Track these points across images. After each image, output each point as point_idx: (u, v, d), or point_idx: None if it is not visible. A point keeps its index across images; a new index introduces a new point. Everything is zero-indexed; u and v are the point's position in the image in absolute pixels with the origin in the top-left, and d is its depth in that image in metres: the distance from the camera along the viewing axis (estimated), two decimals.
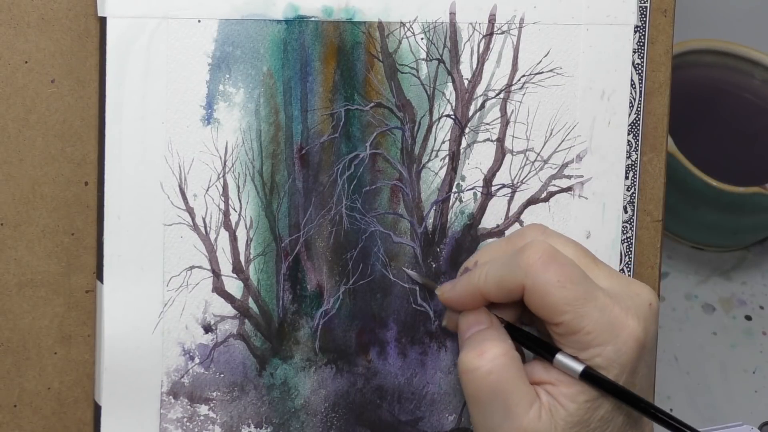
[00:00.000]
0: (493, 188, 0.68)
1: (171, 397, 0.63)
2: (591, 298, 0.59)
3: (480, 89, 0.67)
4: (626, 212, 0.71)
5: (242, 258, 0.63)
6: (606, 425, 0.60)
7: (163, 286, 0.62)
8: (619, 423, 0.61)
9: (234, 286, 0.63)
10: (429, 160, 0.66)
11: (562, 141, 0.69)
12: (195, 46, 0.61)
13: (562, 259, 0.60)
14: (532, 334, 0.63)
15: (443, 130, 0.66)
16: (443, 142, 0.66)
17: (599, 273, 0.62)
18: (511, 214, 0.68)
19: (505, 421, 0.59)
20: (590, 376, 0.59)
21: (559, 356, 0.60)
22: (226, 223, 0.63)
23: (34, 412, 0.62)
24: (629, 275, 0.71)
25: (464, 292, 0.63)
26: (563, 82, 0.68)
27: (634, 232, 0.71)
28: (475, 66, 0.66)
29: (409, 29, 0.65)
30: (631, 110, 0.70)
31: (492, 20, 0.66)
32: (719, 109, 1.04)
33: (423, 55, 0.65)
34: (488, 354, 0.59)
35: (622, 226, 0.70)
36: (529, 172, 0.68)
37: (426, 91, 0.66)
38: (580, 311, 0.59)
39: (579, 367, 0.59)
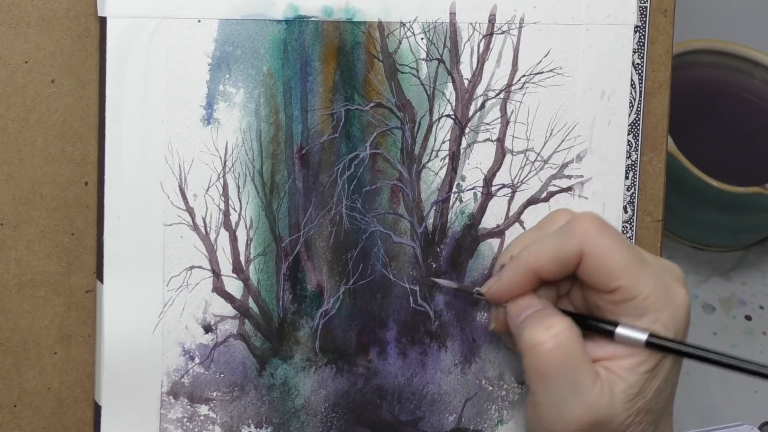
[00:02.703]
0: (493, 188, 0.68)
1: (171, 397, 0.63)
2: (645, 263, 0.60)
3: (480, 89, 0.67)
4: (626, 212, 0.71)
5: (242, 258, 0.63)
6: (658, 396, 0.60)
7: (163, 286, 0.62)
8: (667, 394, 0.61)
9: (234, 286, 0.63)
10: (429, 160, 0.66)
11: (562, 141, 0.69)
12: (195, 46, 0.61)
13: (612, 227, 0.60)
14: (585, 315, 0.62)
15: (443, 130, 0.66)
16: (443, 142, 0.66)
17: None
18: (511, 214, 0.68)
19: (573, 396, 0.58)
20: (654, 343, 0.59)
21: (620, 328, 0.59)
22: (226, 223, 0.63)
23: (34, 412, 0.62)
24: None
25: (514, 276, 0.61)
26: (563, 82, 0.68)
27: (634, 232, 0.71)
28: (475, 66, 0.66)
29: (409, 29, 0.65)
30: (631, 110, 0.70)
31: (492, 20, 0.66)
32: (719, 109, 1.04)
33: (423, 55, 0.65)
34: (555, 328, 0.59)
35: (623, 226, 0.70)
36: (529, 172, 0.68)
37: (426, 91, 0.66)
38: (637, 276, 0.59)
39: (642, 336, 0.59)
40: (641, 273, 0.59)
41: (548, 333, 0.59)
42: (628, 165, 0.70)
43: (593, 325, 0.61)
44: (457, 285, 0.66)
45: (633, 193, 0.71)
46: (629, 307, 0.59)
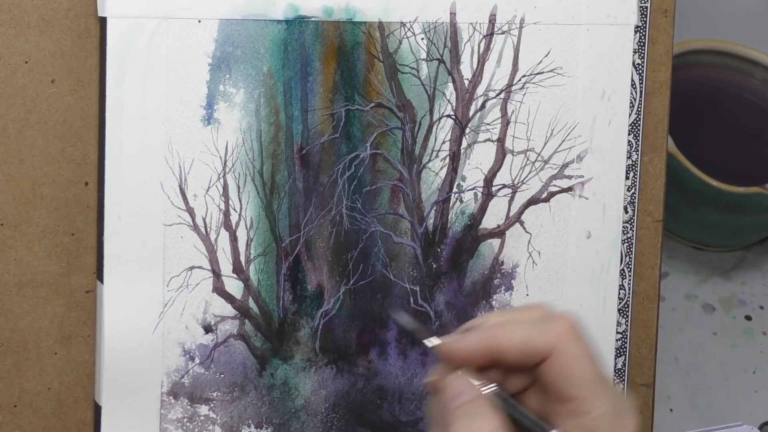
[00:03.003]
0: (494, 188, 0.68)
1: (171, 397, 0.63)
2: (606, 383, 0.58)
3: (480, 89, 0.67)
4: (627, 212, 0.71)
5: (242, 258, 0.63)
6: None
7: (163, 286, 0.62)
8: None
9: (234, 287, 0.63)
10: (429, 161, 0.66)
11: (563, 141, 0.69)
12: (195, 46, 0.61)
13: (587, 336, 0.59)
14: (525, 410, 0.59)
15: (444, 130, 0.66)
16: (444, 143, 0.66)
17: None
18: (511, 214, 0.68)
19: None
20: None
21: None
22: (227, 224, 0.63)
23: (34, 412, 0.62)
24: (630, 276, 0.71)
25: (477, 346, 0.58)
26: (564, 82, 0.68)
27: (634, 232, 0.71)
28: (475, 66, 0.66)
29: (409, 29, 0.65)
30: (632, 110, 0.70)
31: (492, 20, 0.66)
32: (719, 109, 1.04)
33: (423, 55, 0.65)
34: (484, 430, 0.56)
35: (623, 227, 0.70)
36: (530, 172, 0.68)
37: (426, 92, 0.66)
38: (597, 392, 0.57)
39: None
40: (601, 391, 0.58)
41: None
42: (629, 165, 0.70)
43: (527, 425, 0.58)
44: (414, 326, 0.63)
45: (633, 193, 0.71)
46: (579, 421, 0.58)
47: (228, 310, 0.63)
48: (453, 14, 0.65)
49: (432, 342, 0.59)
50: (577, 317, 0.58)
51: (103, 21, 0.60)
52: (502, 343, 0.59)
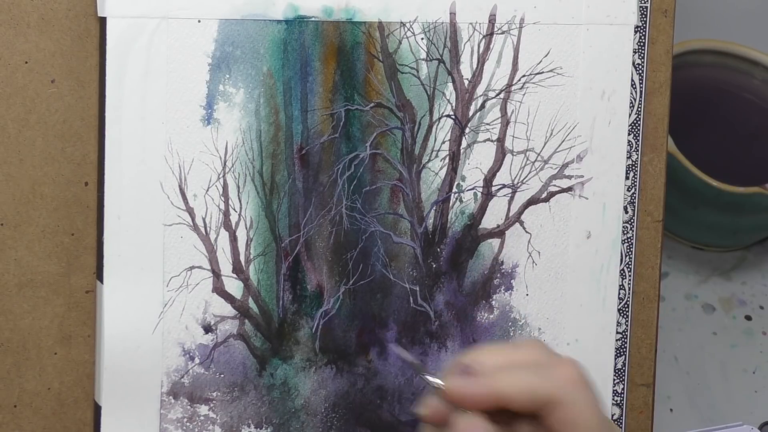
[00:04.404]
0: (494, 188, 0.68)
1: (171, 397, 0.63)
2: (612, 427, 0.58)
3: (480, 89, 0.67)
4: (627, 212, 0.71)
5: (242, 258, 0.63)
6: None
7: (163, 286, 0.62)
8: None
9: (234, 287, 0.63)
10: (429, 161, 0.66)
11: (563, 141, 0.69)
12: (195, 46, 0.61)
13: (591, 380, 0.58)
14: None
15: (443, 130, 0.66)
16: (443, 142, 0.66)
17: None
18: (511, 214, 0.68)
19: None
20: None
21: None
22: (226, 224, 0.63)
23: (34, 412, 0.62)
24: (630, 275, 0.71)
25: (483, 392, 0.57)
26: (563, 82, 0.68)
27: (634, 232, 0.71)
28: (475, 66, 0.66)
29: (409, 29, 0.65)
30: (632, 110, 0.70)
31: (492, 20, 0.66)
32: (719, 109, 1.04)
33: (423, 55, 0.65)
34: None
35: (623, 227, 0.70)
36: (530, 172, 0.68)
37: (426, 91, 0.66)
38: None
39: None
40: None
41: None
42: (629, 165, 0.70)
43: None
44: (413, 360, 0.62)
45: (633, 193, 0.71)
46: None
47: (228, 310, 0.63)
48: (453, 14, 0.66)
49: (437, 384, 0.58)
50: (580, 363, 0.58)
51: (102, 21, 0.60)
52: (506, 391, 0.58)
